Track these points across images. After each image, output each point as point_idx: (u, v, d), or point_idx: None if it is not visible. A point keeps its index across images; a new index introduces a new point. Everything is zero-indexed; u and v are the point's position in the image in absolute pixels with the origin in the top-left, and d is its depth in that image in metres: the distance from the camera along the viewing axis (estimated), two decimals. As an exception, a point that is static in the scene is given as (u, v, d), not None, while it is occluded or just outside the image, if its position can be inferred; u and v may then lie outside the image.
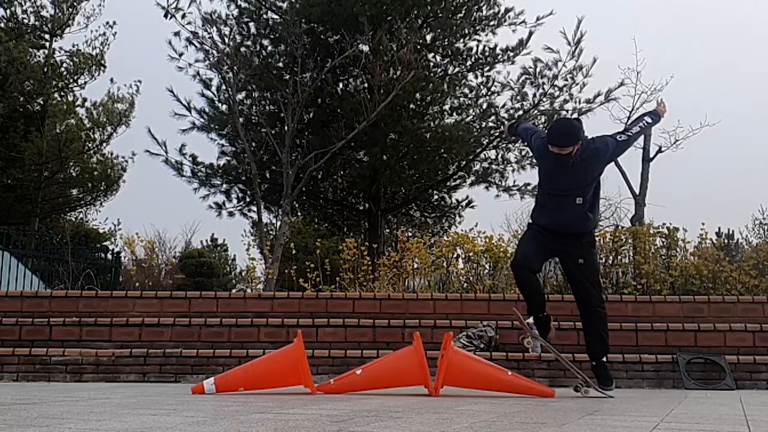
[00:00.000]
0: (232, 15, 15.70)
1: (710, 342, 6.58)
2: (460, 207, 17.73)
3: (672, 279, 9.72)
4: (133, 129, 20.61)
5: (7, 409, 2.96)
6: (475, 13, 16.01)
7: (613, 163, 18.29)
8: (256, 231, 18.40)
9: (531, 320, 4.93)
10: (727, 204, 35.63)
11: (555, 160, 4.46)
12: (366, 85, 15.33)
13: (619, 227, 14.46)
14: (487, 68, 16.26)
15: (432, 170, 16.11)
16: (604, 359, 4.77)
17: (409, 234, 14.28)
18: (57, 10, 20.85)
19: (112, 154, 21.08)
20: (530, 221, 4.95)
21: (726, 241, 23.28)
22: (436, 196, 17.60)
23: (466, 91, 16.39)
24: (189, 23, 14.39)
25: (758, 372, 6.21)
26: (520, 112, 15.60)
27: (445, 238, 13.30)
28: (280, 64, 15.75)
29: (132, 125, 20.40)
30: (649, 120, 4.97)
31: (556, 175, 4.58)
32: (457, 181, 16.79)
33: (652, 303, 7.28)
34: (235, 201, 16.50)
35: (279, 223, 14.10)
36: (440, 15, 15.63)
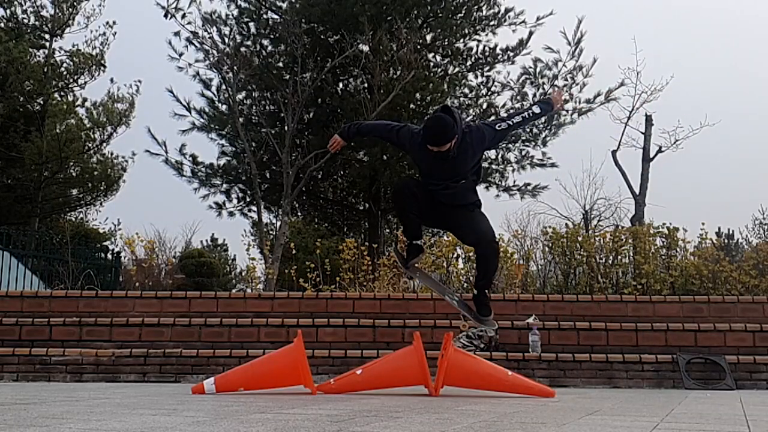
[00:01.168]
0: (232, 15, 15.72)
1: (710, 342, 6.58)
2: (460, 207, 17.71)
3: (672, 279, 9.72)
4: (133, 129, 20.65)
5: (7, 409, 2.96)
6: (475, 13, 16.00)
7: (613, 163, 18.44)
8: (256, 231, 18.42)
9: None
10: (727, 204, 35.64)
11: (433, 157, 4.45)
12: (366, 85, 15.33)
13: (619, 227, 14.47)
14: (487, 68, 16.26)
15: (432, 170, 16.09)
16: (486, 291, 4.88)
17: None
18: (57, 10, 20.86)
19: (112, 154, 21.12)
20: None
21: (726, 241, 23.29)
22: (435, 196, 17.58)
23: (466, 91, 16.39)
24: (189, 23, 14.42)
25: (758, 372, 6.21)
26: (520, 112, 15.59)
27: (445, 238, 13.30)
28: (280, 64, 15.74)
29: (132, 125, 20.45)
30: (538, 110, 4.88)
31: (435, 170, 4.59)
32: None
33: (652, 303, 7.29)
34: (235, 201, 16.51)
35: (279, 223, 14.11)
36: (440, 15, 15.62)
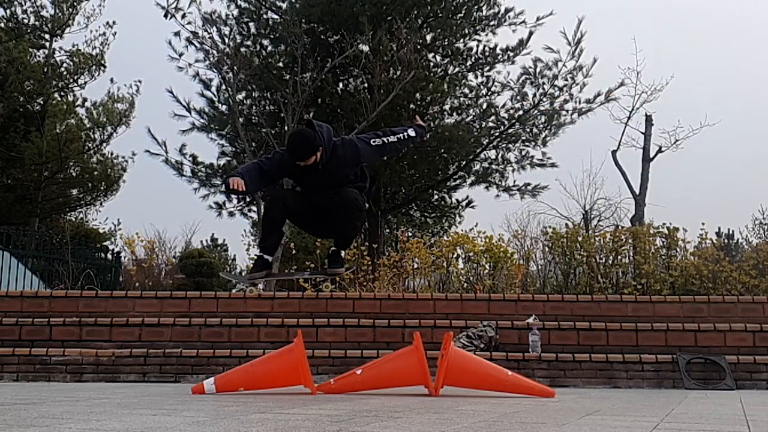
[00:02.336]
0: (232, 15, 15.72)
1: (710, 342, 6.58)
2: (460, 207, 17.73)
3: (672, 279, 9.73)
4: (133, 129, 20.63)
5: (7, 409, 2.96)
6: (475, 13, 16.00)
7: (613, 163, 18.44)
8: (256, 231, 18.41)
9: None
10: (727, 204, 35.61)
11: (303, 170, 4.52)
12: (366, 85, 15.32)
13: (619, 227, 14.48)
14: (487, 68, 16.26)
15: (432, 170, 16.10)
16: (341, 252, 4.93)
17: (409, 234, 14.28)
18: (57, 10, 20.85)
19: (112, 154, 21.10)
20: None
21: (726, 241, 23.27)
22: (436, 196, 17.60)
23: (466, 91, 16.39)
24: (189, 23, 14.43)
25: (758, 372, 6.21)
26: (521, 112, 15.60)
27: (445, 238, 13.31)
28: (280, 64, 15.74)
29: (132, 125, 20.43)
30: (413, 133, 4.96)
31: (310, 181, 4.64)
32: (457, 181, 16.78)
33: (652, 303, 7.29)
34: (235, 201, 16.51)
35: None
36: (440, 15, 15.62)
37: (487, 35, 16.29)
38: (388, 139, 4.77)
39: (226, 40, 14.98)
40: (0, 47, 17.91)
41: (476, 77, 16.41)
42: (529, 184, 16.27)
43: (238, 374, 4.55)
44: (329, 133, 4.56)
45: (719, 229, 24.56)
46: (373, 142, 4.70)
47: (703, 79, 38.29)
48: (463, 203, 17.60)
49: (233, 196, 5.00)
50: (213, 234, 28.32)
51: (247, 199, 16.50)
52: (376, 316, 7.00)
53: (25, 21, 20.74)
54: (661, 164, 32.82)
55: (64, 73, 20.58)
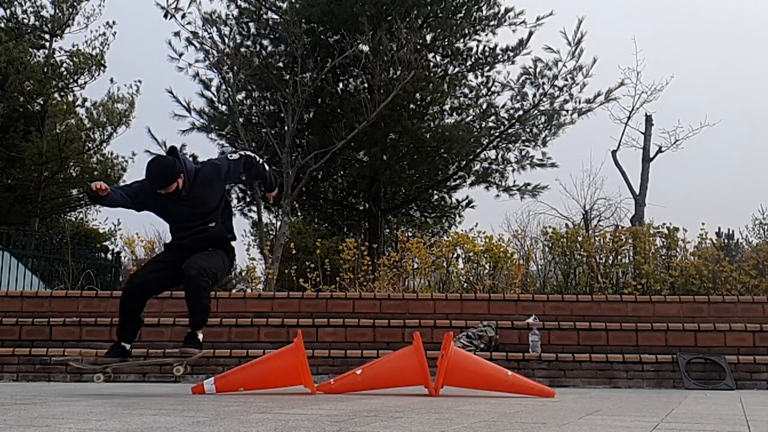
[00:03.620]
0: (232, 15, 15.71)
1: (710, 342, 6.58)
2: (460, 207, 17.73)
3: (672, 279, 9.73)
4: (133, 129, 20.62)
5: (7, 409, 2.96)
6: (475, 13, 15.99)
7: (613, 163, 18.44)
8: (256, 231, 18.40)
9: None
10: (727, 204, 35.61)
11: (166, 199, 4.37)
12: (366, 85, 15.32)
13: (619, 227, 14.48)
14: (487, 68, 16.25)
15: (432, 170, 16.10)
16: (198, 334, 4.57)
17: (409, 234, 14.27)
18: (57, 10, 20.85)
19: (112, 154, 21.10)
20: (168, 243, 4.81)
21: (726, 241, 23.26)
22: (436, 196, 17.59)
23: (466, 91, 16.38)
24: (189, 23, 14.39)
25: (758, 372, 6.22)
26: (520, 112, 15.60)
27: (445, 238, 13.31)
28: (280, 64, 15.73)
29: (132, 125, 20.43)
30: (272, 179, 4.88)
31: (176, 212, 4.50)
32: (457, 181, 16.78)
33: (652, 303, 7.29)
34: (235, 201, 16.50)
35: (279, 223, 14.10)
36: (440, 15, 15.62)
37: (487, 35, 16.29)
38: (247, 153, 4.70)
39: (226, 40, 14.97)
40: (0, 47, 17.91)
41: (476, 77, 16.41)
42: (529, 184, 16.27)
43: (238, 374, 4.55)
44: (191, 162, 4.49)
45: (719, 229, 24.58)
46: (230, 156, 4.62)
47: (703, 79, 38.32)
48: (463, 203, 17.60)
49: (97, 204, 4.81)
50: (213, 234, 28.30)
51: (247, 200, 16.51)
52: (376, 316, 7.00)
53: (25, 21, 20.74)
54: (661, 164, 32.93)
55: (64, 73, 20.59)
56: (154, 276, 4.57)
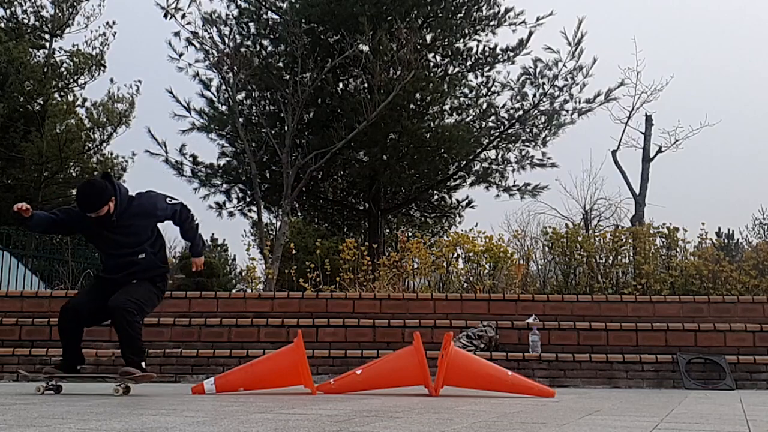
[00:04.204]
0: (232, 15, 15.70)
1: (710, 342, 6.58)
2: (460, 207, 17.72)
3: (672, 279, 9.72)
4: (133, 129, 20.64)
5: (7, 409, 2.96)
6: (475, 13, 15.99)
7: (613, 163, 18.45)
8: (256, 231, 18.42)
9: None
10: (727, 204, 35.64)
11: (96, 223, 4.36)
12: (366, 85, 15.32)
13: (619, 227, 14.48)
14: (487, 68, 16.25)
15: (432, 170, 16.10)
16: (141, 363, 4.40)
17: (409, 234, 14.28)
18: (57, 10, 20.86)
19: (112, 154, 21.12)
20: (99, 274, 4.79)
21: (726, 241, 23.28)
22: (436, 196, 17.59)
23: (466, 91, 16.38)
24: (189, 23, 14.40)
25: (758, 372, 6.22)
26: (520, 112, 15.60)
27: (445, 238, 13.30)
28: (280, 64, 15.73)
29: (132, 125, 20.44)
30: (199, 241, 4.87)
31: (106, 238, 4.47)
32: (457, 181, 16.78)
33: (652, 303, 7.29)
34: (235, 201, 16.51)
35: (279, 223, 14.10)
36: (440, 15, 15.61)
37: (487, 35, 16.28)
38: (186, 206, 4.63)
39: (226, 40, 14.96)
40: (0, 47, 17.91)
41: (476, 77, 16.41)
42: (529, 184, 16.27)
43: (238, 374, 4.55)
44: (125, 189, 4.48)
45: (719, 229, 24.58)
46: (169, 200, 4.57)
47: (703, 79, 38.33)
48: (463, 203, 17.60)
49: (22, 226, 4.78)
50: (213, 234, 28.33)
51: (247, 200, 16.51)
52: (376, 316, 7.00)
53: (25, 21, 20.75)
54: (661, 164, 32.92)
55: (64, 73, 20.60)
56: (88, 306, 4.54)
